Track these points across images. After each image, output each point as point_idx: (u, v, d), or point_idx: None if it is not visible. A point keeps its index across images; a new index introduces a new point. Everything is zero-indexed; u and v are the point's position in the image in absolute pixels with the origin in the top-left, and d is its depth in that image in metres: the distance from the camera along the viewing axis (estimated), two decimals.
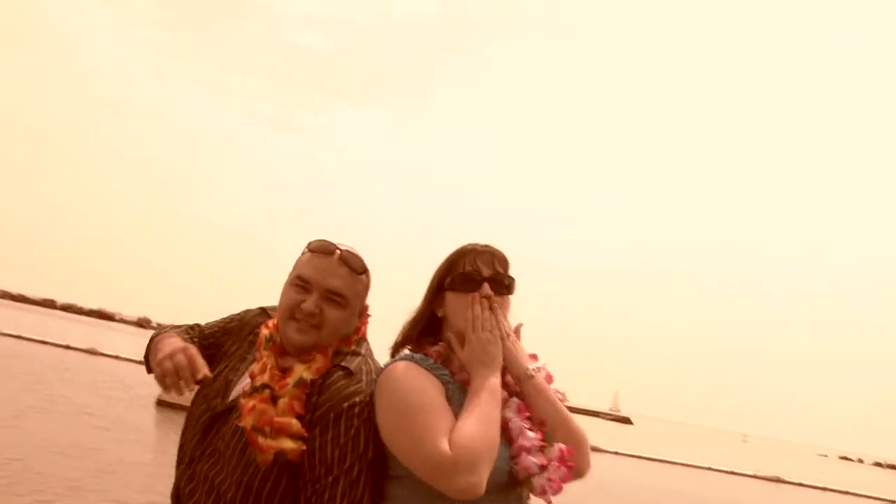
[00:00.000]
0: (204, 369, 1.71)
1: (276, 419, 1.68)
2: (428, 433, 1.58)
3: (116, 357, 24.66)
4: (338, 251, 1.85)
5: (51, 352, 23.37)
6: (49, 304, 65.08)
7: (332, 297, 1.81)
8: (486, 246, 1.88)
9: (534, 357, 1.85)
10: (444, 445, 1.55)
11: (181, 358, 1.71)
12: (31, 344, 24.52)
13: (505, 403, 1.74)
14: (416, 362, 1.73)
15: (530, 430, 1.71)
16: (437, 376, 1.72)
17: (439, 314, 1.87)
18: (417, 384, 1.67)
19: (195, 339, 1.98)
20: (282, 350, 1.83)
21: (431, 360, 1.76)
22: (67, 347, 25.27)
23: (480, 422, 1.60)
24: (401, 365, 1.73)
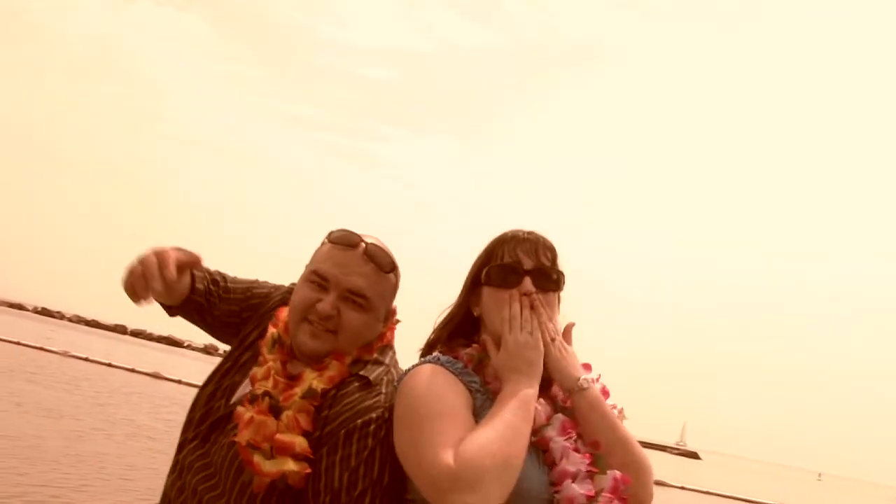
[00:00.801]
0: (173, 267, 1.43)
1: (278, 436, 1.43)
2: (433, 442, 1.31)
3: (179, 381, 24.94)
4: (363, 244, 1.59)
5: (117, 375, 23.79)
6: (120, 329, 66.76)
7: (353, 297, 1.56)
8: (530, 233, 1.61)
9: (586, 367, 1.57)
10: (447, 456, 1.28)
11: (151, 259, 1.44)
12: (100, 367, 25.03)
13: (548, 420, 1.48)
14: (443, 365, 1.49)
15: (576, 451, 1.44)
16: (464, 383, 1.47)
17: (475, 312, 1.60)
18: (436, 389, 1.42)
19: (213, 292, 1.73)
20: (290, 353, 1.58)
21: (461, 364, 1.51)
22: (133, 371, 25.70)
23: (498, 434, 1.32)
24: (424, 368, 1.48)
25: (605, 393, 1.56)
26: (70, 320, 64.13)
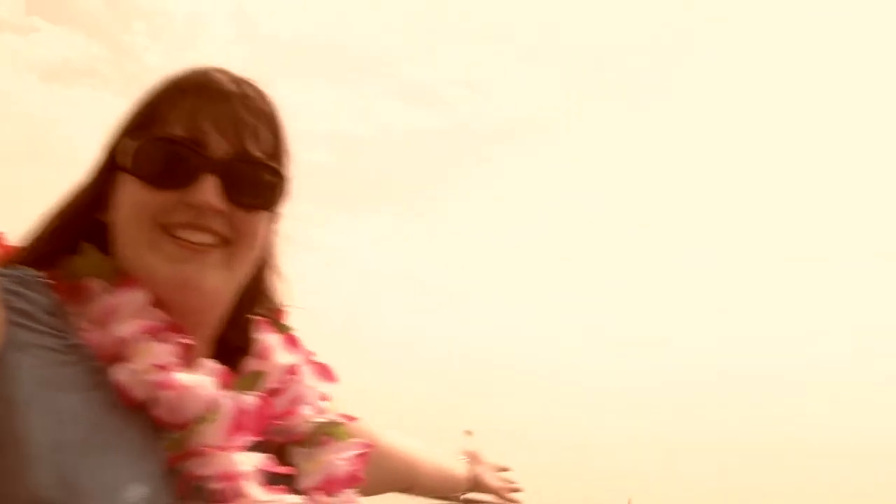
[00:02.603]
0: None
1: None
2: None
3: None
4: None
5: None
6: None
7: None
8: (236, 81, 0.85)
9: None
10: None
11: None
12: None
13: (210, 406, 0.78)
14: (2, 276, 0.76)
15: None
16: (6, 302, 0.73)
17: (104, 218, 0.85)
18: None
19: None
20: None
21: (29, 275, 0.78)
22: None
23: None
24: None
25: (326, 372, 0.94)
26: None
